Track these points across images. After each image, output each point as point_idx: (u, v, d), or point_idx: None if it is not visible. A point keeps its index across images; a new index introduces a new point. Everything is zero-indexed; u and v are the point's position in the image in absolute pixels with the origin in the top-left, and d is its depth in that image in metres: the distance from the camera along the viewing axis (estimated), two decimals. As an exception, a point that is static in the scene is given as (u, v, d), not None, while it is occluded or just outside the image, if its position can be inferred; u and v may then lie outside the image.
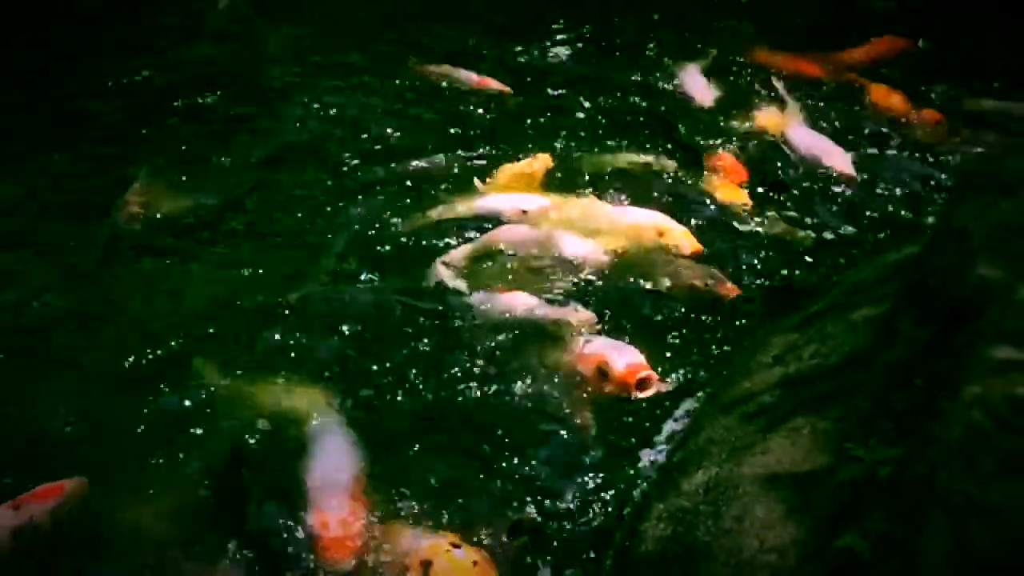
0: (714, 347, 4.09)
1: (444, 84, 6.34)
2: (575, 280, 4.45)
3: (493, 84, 6.28)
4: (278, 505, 3.40)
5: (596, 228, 4.78)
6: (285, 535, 3.28)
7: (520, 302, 4.27)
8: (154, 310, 4.43)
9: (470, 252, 4.64)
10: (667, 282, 4.38)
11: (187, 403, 3.82)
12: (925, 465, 2.04)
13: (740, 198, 5.09)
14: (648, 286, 4.39)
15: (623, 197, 5.05)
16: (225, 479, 3.53)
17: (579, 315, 4.17)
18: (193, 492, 3.47)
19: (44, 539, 3.28)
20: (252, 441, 3.67)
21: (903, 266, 3.68)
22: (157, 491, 3.46)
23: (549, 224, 4.80)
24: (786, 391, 3.26)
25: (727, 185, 5.20)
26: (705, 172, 5.34)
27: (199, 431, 3.69)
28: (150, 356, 4.08)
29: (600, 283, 4.44)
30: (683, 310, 4.27)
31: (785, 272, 4.58)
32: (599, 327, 4.16)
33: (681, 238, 4.66)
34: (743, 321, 4.22)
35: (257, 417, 3.74)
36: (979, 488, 1.81)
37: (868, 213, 5.06)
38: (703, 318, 4.23)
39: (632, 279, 4.44)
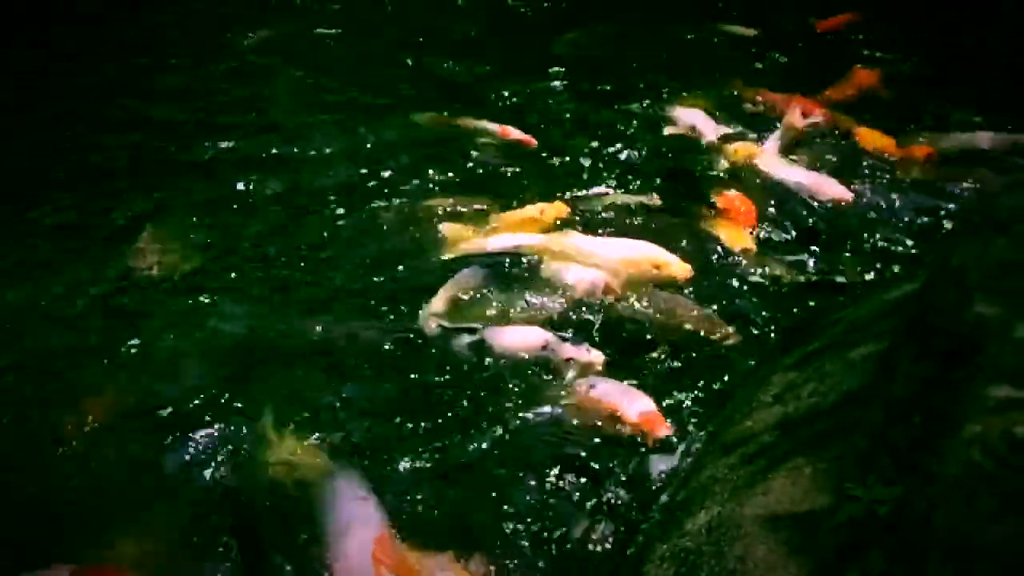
0: (713, 385, 4.08)
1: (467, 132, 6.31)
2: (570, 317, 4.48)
3: (515, 134, 6.19)
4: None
5: (590, 261, 4.81)
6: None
7: (530, 337, 4.28)
8: (168, 348, 4.43)
9: (448, 295, 4.63)
10: (663, 323, 4.40)
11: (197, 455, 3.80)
12: (924, 504, 2.05)
13: (744, 241, 5.08)
14: (643, 325, 4.42)
15: (617, 234, 5.09)
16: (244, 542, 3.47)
17: (590, 355, 4.18)
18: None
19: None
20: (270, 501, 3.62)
21: (901, 304, 3.70)
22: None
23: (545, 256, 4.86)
24: (785, 431, 3.26)
25: (731, 227, 5.20)
26: (711, 212, 5.37)
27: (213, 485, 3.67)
28: (159, 400, 4.09)
29: (593, 319, 4.46)
30: (680, 349, 4.28)
31: (781, 315, 4.59)
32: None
33: (675, 268, 4.71)
34: (745, 361, 4.23)
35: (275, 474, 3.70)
36: (978, 528, 1.81)
37: (866, 250, 5.07)
38: (701, 357, 4.25)
39: (627, 317, 4.46)
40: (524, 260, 4.89)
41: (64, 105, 6.73)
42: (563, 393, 4.00)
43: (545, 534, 3.42)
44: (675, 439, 3.76)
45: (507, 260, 4.91)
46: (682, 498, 3.35)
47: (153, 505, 3.61)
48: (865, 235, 5.18)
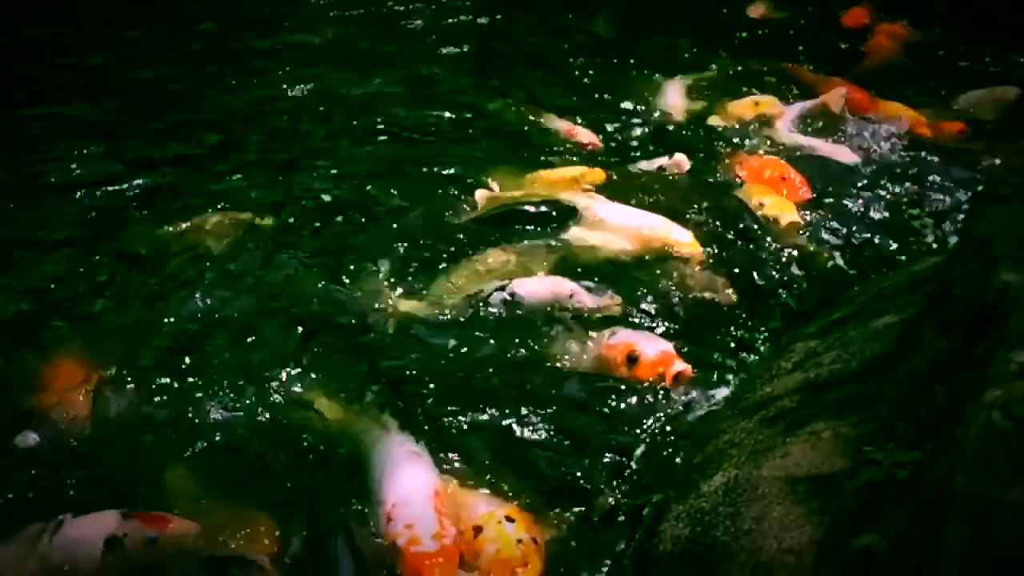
0: (734, 352, 4.11)
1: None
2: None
3: (583, 136, 5.99)
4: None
5: (603, 230, 4.85)
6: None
7: (556, 286, 4.34)
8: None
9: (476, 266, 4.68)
10: (673, 288, 4.44)
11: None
12: (944, 467, 2.05)
13: (790, 213, 5.01)
14: (656, 291, 4.44)
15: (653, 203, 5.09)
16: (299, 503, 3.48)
17: (613, 300, 4.24)
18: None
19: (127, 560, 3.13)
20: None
21: (927, 275, 3.70)
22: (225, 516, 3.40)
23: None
24: (807, 396, 3.27)
25: (777, 198, 5.16)
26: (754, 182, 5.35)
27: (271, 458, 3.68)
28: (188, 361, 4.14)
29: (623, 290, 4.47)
30: (698, 314, 4.31)
31: (807, 286, 4.59)
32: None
33: (685, 243, 4.70)
34: (763, 328, 4.24)
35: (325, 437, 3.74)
36: (998, 489, 1.82)
37: (893, 224, 5.05)
38: (721, 324, 4.27)
39: (640, 283, 4.49)
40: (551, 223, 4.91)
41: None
42: (587, 342, 4.06)
43: (565, 486, 3.48)
44: (694, 401, 3.78)
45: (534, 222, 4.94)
46: (699, 460, 3.37)
47: (212, 460, 3.66)
48: (894, 210, 5.15)
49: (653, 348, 3.91)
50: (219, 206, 5.23)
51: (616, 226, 4.87)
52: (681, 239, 4.73)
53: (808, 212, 5.09)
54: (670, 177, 5.33)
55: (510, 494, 3.42)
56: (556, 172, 5.39)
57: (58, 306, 4.50)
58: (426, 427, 3.74)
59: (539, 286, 4.37)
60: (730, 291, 4.42)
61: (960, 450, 2.04)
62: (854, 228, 5.00)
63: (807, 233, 4.94)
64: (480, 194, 5.20)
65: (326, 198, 5.34)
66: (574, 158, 5.71)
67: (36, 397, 3.89)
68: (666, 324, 4.26)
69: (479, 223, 5.00)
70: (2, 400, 3.89)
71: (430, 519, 3.18)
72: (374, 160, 5.81)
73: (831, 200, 5.20)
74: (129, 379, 3.99)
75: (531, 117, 6.27)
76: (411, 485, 3.35)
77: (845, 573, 2.20)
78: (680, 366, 3.84)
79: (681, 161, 5.36)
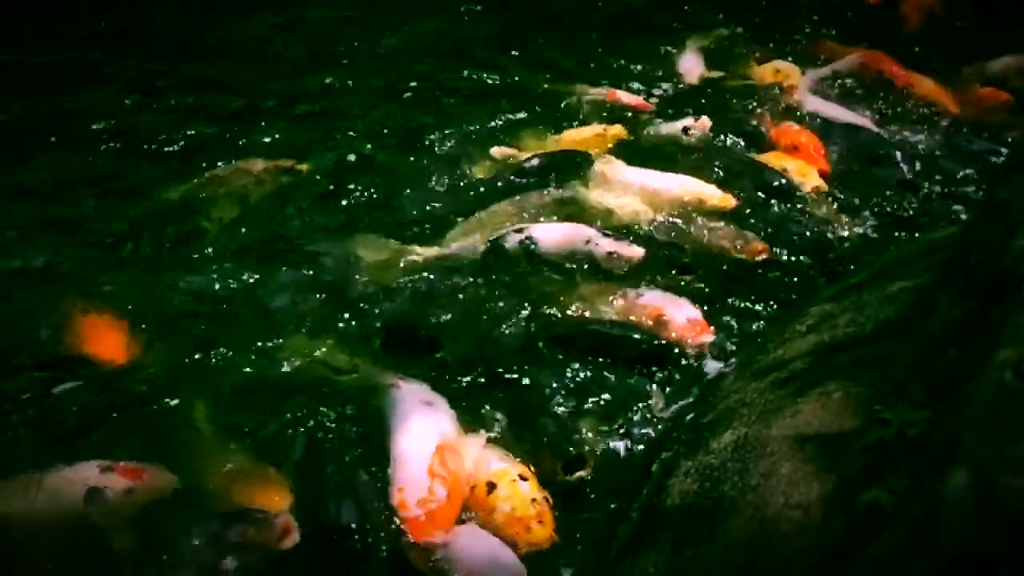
0: (751, 313, 4.13)
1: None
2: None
3: (627, 98, 5.92)
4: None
5: (630, 190, 4.84)
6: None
7: (574, 232, 4.37)
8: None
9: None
10: (698, 244, 4.45)
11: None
12: (953, 424, 2.07)
13: (813, 179, 5.00)
14: (681, 248, 4.45)
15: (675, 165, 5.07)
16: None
17: (631, 249, 4.27)
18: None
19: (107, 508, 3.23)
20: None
21: (944, 242, 3.69)
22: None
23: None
24: (819, 358, 3.28)
25: (799, 163, 5.14)
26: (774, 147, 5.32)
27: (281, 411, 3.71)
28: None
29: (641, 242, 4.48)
30: (718, 275, 4.32)
31: (825, 251, 4.58)
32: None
33: (715, 196, 4.72)
34: (781, 291, 4.25)
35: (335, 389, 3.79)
36: (1007, 444, 1.83)
37: (918, 195, 5.02)
38: (739, 285, 4.28)
39: (664, 241, 4.50)
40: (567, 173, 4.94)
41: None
42: (612, 299, 4.07)
43: (578, 436, 3.53)
44: (712, 358, 3.81)
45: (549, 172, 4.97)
46: (709, 419, 3.40)
47: (234, 411, 3.72)
48: (917, 179, 5.13)
49: (682, 313, 3.95)
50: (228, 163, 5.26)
51: (638, 186, 4.86)
52: (711, 193, 4.74)
53: (830, 179, 5.06)
54: (693, 140, 5.30)
55: (522, 451, 3.44)
56: (579, 131, 5.40)
57: (92, 255, 4.58)
58: (440, 380, 3.77)
59: (556, 231, 4.41)
60: (759, 244, 4.43)
61: (971, 408, 2.06)
62: (875, 195, 4.97)
63: (829, 198, 4.92)
64: (498, 151, 5.21)
65: (351, 157, 5.37)
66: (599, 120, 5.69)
67: (70, 345, 3.97)
68: (689, 281, 4.27)
69: (498, 178, 5.02)
70: (37, 348, 3.97)
71: (420, 482, 3.23)
72: (398, 116, 5.84)
73: (854, 167, 5.17)
74: (159, 328, 4.07)
75: (562, 85, 6.20)
76: (410, 444, 3.38)
77: (850, 527, 2.22)
78: (708, 338, 3.89)
79: (705, 123, 5.33)
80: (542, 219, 4.62)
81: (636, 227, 4.58)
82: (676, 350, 3.84)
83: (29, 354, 3.93)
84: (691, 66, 6.38)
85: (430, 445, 3.35)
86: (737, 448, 3.00)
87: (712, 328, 3.94)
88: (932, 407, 2.38)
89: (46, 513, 3.19)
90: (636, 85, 6.14)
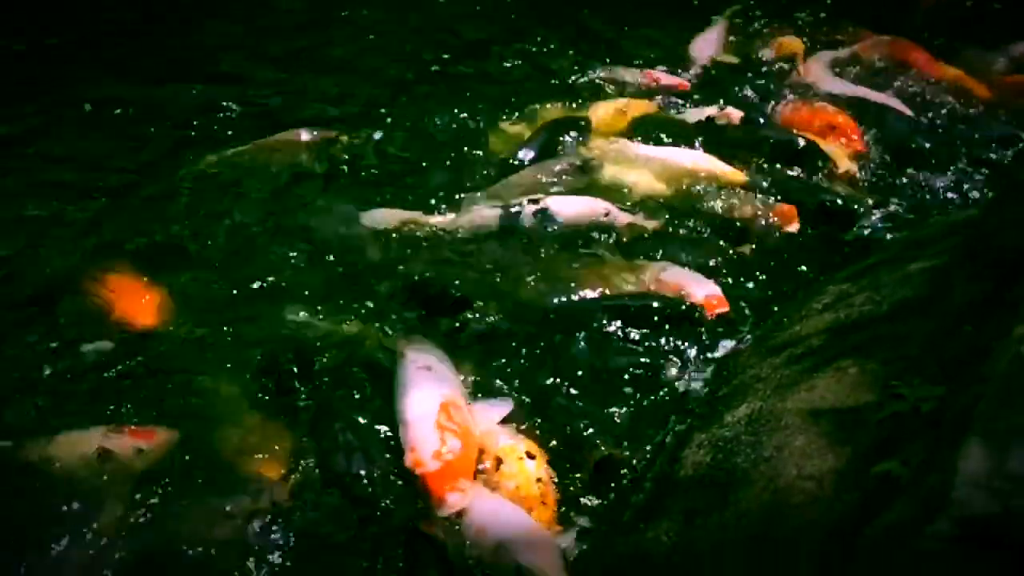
0: (770, 291, 4.14)
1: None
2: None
3: (665, 79, 5.86)
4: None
5: (643, 168, 4.84)
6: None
7: (592, 205, 4.39)
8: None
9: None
10: (722, 213, 4.45)
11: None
12: (968, 397, 2.09)
13: (845, 162, 4.96)
14: (703, 219, 4.47)
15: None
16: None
17: (647, 222, 4.28)
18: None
19: (121, 472, 3.30)
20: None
21: (962, 224, 3.70)
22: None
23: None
24: (835, 335, 3.30)
25: (829, 144, 5.09)
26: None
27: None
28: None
29: (659, 216, 4.52)
30: (737, 250, 4.33)
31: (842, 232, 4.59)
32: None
33: (726, 171, 4.72)
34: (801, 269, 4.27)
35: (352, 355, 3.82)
36: (1020, 414, 1.86)
37: (942, 178, 4.97)
38: (756, 259, 4.29)
39: (685, 214, 4.51)
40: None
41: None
42: (634, 275, 4.10)
43: (594, 407, 3.55)
44: (728, 333, 3.83)
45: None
46: (724, 393, 3.42)
47: (253, 373, 3.76)
48: (941, 162, 5.08)
49: (702, 291, 3.97)
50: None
51: (652, 162, 4.87)
52: (722, 167, 4.75)
53: (860, 161, 5.04)
54: (718, 124, 5.29)
55: (530, 427, 3.45)
56: (601, 105, 5.41)
57: (126, 219, 4.65)
58: (452, 350, 3.78)
59: (573, 204, 4.42)
60: (787, 208, 4.43)
61: (986, 381, 2.08)
62: (900, 178, 4.95)
63: (856, 180, 4.90)
64: (508, 124, 5.30)
65: (376, 134, 5.39)
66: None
67: (103, 308, 4.02)
68: (706, 257, 4.28)
69: (517, 150, 5.07)
70: (71, 310, 4.03)
71: (431, 439, 3.22)
72: (422, 89, 5.91)
73: (879, 149, 5.14)
74: (187, 293, 4.14)
75: (598, 63, 6.19)
76: (415, 405, 3.39)
77: (864, 498, 2.25)
78: (723, 308, 3.91)
79: (731, 113, 5.31)
80: (559, 187, 4.66)
81: (651, 202, 4.60)
82: (696, 324, 3.84)
83: (62, 312, 4.00)
84: (705, 46, 6.35)
85: (434, 404, 3.36)
86: (751, 421, 3.02)
87: (727, 306, 3.94)
88: (947, 383, 2.40)
89: (60, 473, 3.26)
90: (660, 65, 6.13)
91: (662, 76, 5.86)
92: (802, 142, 4.95)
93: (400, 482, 3.22)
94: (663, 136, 5.17)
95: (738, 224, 4.42)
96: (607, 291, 4.02)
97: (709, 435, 3.13)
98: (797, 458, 2.67)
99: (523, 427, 3.44)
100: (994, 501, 1.71)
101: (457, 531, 3.02)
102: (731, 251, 4.32)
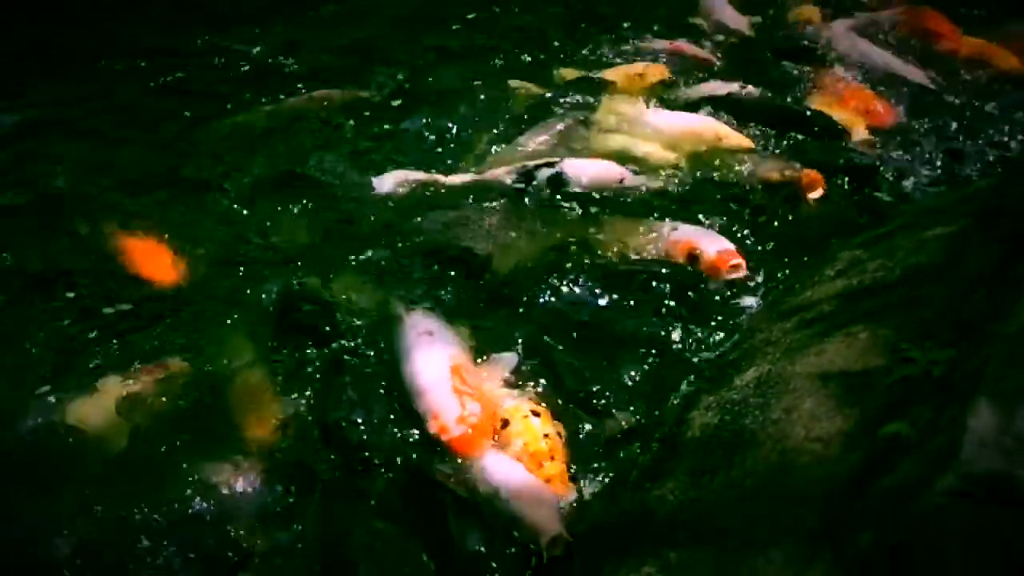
0: (783, 254, 4.13)
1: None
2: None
3: (689, 50, 5.85)
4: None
5: (652, 133, 4.82)
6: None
7: (607, 169, 4.40)
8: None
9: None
10: (746, 176, 4.43)
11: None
12: (979, 359, 2.08)
13: (859, 128, 4.94)
14: (723, 182, 4.45)
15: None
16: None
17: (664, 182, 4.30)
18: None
19: (148, 407, 3.46)
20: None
21: (980, 192, 3.67)
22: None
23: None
24: (847, 301, 3.29)
25: (847, 112, 5.07)
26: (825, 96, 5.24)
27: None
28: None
29: (674, 182, 4.50)
30: (751, 212, 4.32)
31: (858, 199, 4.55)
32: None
33: (733, 136, 4.71)
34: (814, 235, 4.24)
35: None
36: (1028, 374, 1.85)
37: (964, 150, 4.93)
38: (772, 223, 4.27)
39: (705, 177, 4.49)
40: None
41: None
42: (645, 235, 4.10)
43: (595, 378, 3.54)
44: (740, 297, 3.82)
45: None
46: (734, 357, 3.42)
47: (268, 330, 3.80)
48: (964, 133, 5.05)
49: (714, 246, 3.96)
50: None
51: (664, 127, 4.85)
52: (730, 132, 4.74)
53: (881, 131, 5.00)
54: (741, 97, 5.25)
55: (537, 388, 3.47)
56: (618, 70, 5.40)
57: (149, 180, 4.74)
58: (461, 314, 3.81)
59: (588, 167, 4.42)
60: (813, 173, 4.39)
61: (997, 343, 2.07)
62: (920, 148, 4.90)
63: (876, 149, 4.86)
64: (520, 84, 5.31)
65: (396, 99, 5.44)
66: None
67: (128, 268, 4.10)
68: (724, 221, 4.28)
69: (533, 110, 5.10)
70: (91, 269, 4.12)
71: (451, 404, 3.26)
72: (444, 53, 5.98)
73: (901, 118, 5.11)
74: (207, 253, 4.20)
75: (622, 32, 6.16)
76: (427, 372, 3.40)
77: (869, 459, 2.25)
78: (740, 271, 3.91)
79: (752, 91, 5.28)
80: (575, 145, 4.66)
81: (666, 167, 4.57)
82: (705, 288, 3.84)
83: (82, 274, 4.07)
84: (729, 15, 6.30)
85: (445, 369, 3.39)
86: (760, 384, 3.02)
87: (744, 261, 3.93)
88: (958, 347, 2.39)
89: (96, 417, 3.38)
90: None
91: (686, 47, 5.84)
92: (811, 112, 4.94)
93: (399, 433, 3.28)
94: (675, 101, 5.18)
95: (760, 188, 4.39)
96: (618, 253, 4.02)
97: (717, 397, 3.13)
98: (805, 420, 2.67)
99: (528, 387, 3.45)
100: (1001, 459, 1.71)
101: (462, 482, 3.07)
102: (751, 216, 4.30)
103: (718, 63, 5.76)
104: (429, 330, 3.59)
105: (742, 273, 3.91)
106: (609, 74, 5.40)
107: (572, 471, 3.17)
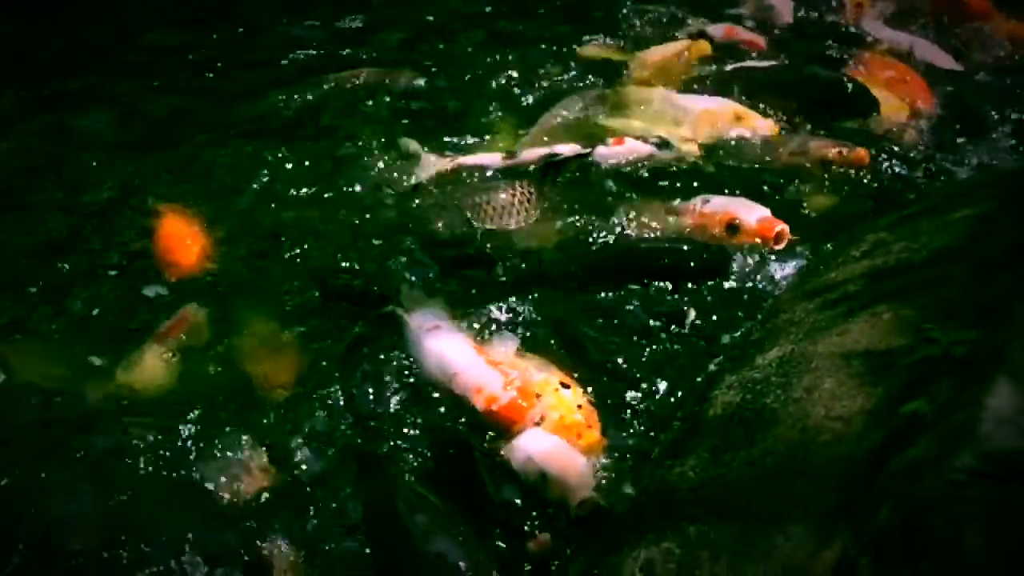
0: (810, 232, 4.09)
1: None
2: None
3: (743, 35, 5.74)
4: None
5: (671, 116, 4.76)
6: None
7: (637, 149, 4.41)
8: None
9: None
10: (790, 156, 4.38)
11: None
12: (1000, 338, 2.09)
13: (899, 111, 4.85)
14: (744, 163, 4.45)
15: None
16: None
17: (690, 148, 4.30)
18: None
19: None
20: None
21: (1007, 175, 3.66)
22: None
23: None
24: (871, 281, 3.29)
25: (886, 94, 4.95)
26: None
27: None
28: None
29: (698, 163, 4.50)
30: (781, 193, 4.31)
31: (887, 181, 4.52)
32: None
33: (759, 123, 4.63)
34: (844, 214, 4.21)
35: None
36: (1050, 355, 1.86)
37: (999, 134, 4.84)
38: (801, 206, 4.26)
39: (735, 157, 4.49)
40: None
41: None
42: (678, 211, 4.09)
43: (621, 355, 3.56)
44: (761, 280, 3.82)
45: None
46: (757, 337, 3.43)
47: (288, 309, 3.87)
48: (995, 113, 4.97)
49: (753, 215, 3.93)
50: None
51: (686, 112, 4.77)
52: (751, 113, 4.67)
53: (918, 112, 4.91)
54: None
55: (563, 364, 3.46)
56: (660, 49, 5.35)
57: (182, 159, 4.77)
58: (489, 297, 3.81)
59: (617, 149, 4.41)
60: (862, 151, 4.36)
61: (1018, 323, 2.08)
62: (952, 130, 4.83)
63: (911, 130, 4.78)
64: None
65: (421, 79, 5.43)
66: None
67: (159, 247, 4.14)
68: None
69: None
70: (128, 251, 4.17)
71: (492, 376, 3.29)
72: (477, 32, 5.96)
73: (938, 101, 5.02)
74: (237, 233, 4.25)
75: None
76: (455, 358, 3.41)
77: (888, 437, 2.26)
78: (781, 228, 3.87)
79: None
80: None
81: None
82: (734, 266, 3.82)
83: (120, 255, 4.15)
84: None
85: (471, 349, 3.43)
86: (782, 363, 3.03)
87: (787, 227, 3.89)
88: (980, 327, 2.39)
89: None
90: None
91: (740, 31, 5.76)
92: (851, 86, 4.84)
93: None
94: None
95: (807, 165, 4.36)
96: (647, 233, 4.03)
97: (739, 376, 3.14)
98: (826, 399, 2.68)
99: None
100: (1018, 437, 1.72)
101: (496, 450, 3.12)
102: (794, 197, 4.26)
103: (764, 46, 5.65)
104: (436, 324, 3.61)
105: (786, 240, 3.86)
106: (648, 54, 5.33)
107: (607, 437, 3.19)
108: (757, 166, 4.46)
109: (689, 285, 3.80)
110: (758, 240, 3.88)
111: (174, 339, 3.65)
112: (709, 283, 3.81)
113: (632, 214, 4.13)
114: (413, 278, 3.93)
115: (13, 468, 3.15)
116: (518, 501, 2.96)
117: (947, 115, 4.95)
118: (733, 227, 3.91)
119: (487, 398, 3.24)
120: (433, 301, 3.74)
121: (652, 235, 4.05)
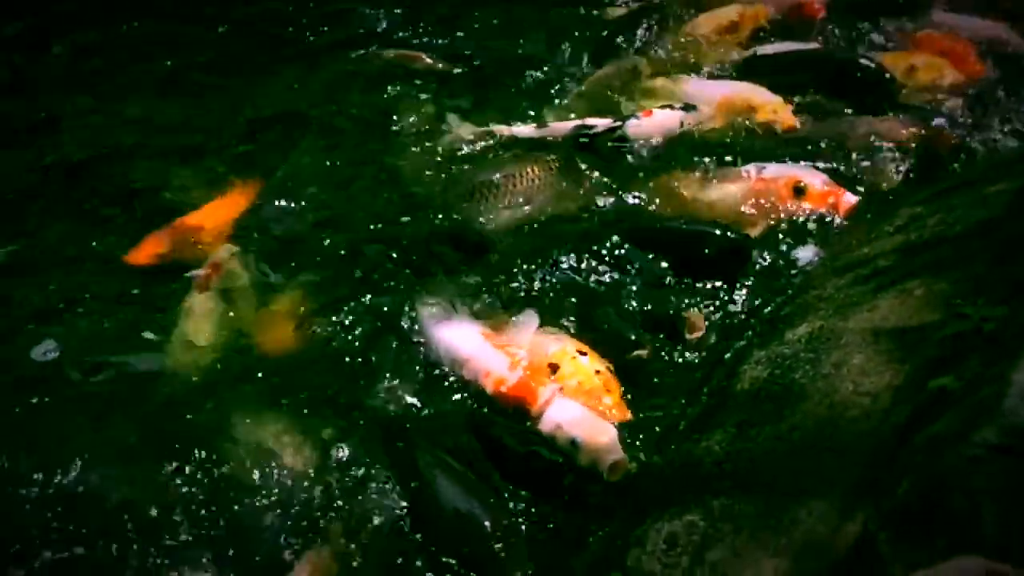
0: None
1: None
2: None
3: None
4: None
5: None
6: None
7: (667, 121, 4.40)
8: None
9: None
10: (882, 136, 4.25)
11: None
12: (1030, 315, 2.07)
13: (948, 75, 4.72)
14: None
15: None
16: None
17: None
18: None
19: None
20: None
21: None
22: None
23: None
24: (903, 256, 3.25)
25: (933, 60, 4.85)
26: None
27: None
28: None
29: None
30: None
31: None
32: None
33: (778, 110, 4.49)
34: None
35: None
36: (1080, 331, 1.84)
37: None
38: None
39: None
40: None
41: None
42: (733, 180, 4.04)
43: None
44: (789, 257, 3.79)
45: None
46: (786, 312, 3.41)
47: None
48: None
49: (818, 179, 3.89)
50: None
51: (705, 99, 4.69)
52: (768, 99, 4.56)
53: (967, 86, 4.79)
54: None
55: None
56: (712, 16, 5.25)
57: (221, 139, 4.86)
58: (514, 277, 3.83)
59: (649, 126, 4.37)
60: (947, 133, 4.26)
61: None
62: (996, 105, 4.69)
63: (959, 103, 4.67)
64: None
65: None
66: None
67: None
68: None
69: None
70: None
71: (499, 358, 3.32)
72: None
73: (987, 76, 4.90)
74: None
75: None
76: (463, 345, 3.44)
77: (915, 412, 2.25)
78: (851, 199, 3.82)
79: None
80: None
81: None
82: (759, 246, 3.80)
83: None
84: None
85: (478, 336, 3.45)
86: (811, 339, 3.02)
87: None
88: (1010, 303, 2.37)
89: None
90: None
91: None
92: (871, 65, 4.72)
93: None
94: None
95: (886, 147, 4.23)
96: (695, 207, 4.00)
97: (768, 352, 3.13)
98: (855, 375, 2.67)
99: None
100: (1044, 412, 1.71)
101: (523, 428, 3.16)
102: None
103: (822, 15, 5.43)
104: (444, 313, 3.63)
105: (852, 208, 3.81)
106: (698, 26, 5.22)
107: (628, 399, 3.22)
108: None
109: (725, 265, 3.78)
110: (827, 203, 3.80)
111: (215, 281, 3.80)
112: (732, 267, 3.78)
113: (670, 185, 4.11)
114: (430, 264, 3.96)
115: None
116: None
117: (990, 87, 4.83)
118: (799, 189, 3.84)
119: (495, 380, 3.28)
120: (446, 288, 3.76)
121: (674, 217, 4.03)
